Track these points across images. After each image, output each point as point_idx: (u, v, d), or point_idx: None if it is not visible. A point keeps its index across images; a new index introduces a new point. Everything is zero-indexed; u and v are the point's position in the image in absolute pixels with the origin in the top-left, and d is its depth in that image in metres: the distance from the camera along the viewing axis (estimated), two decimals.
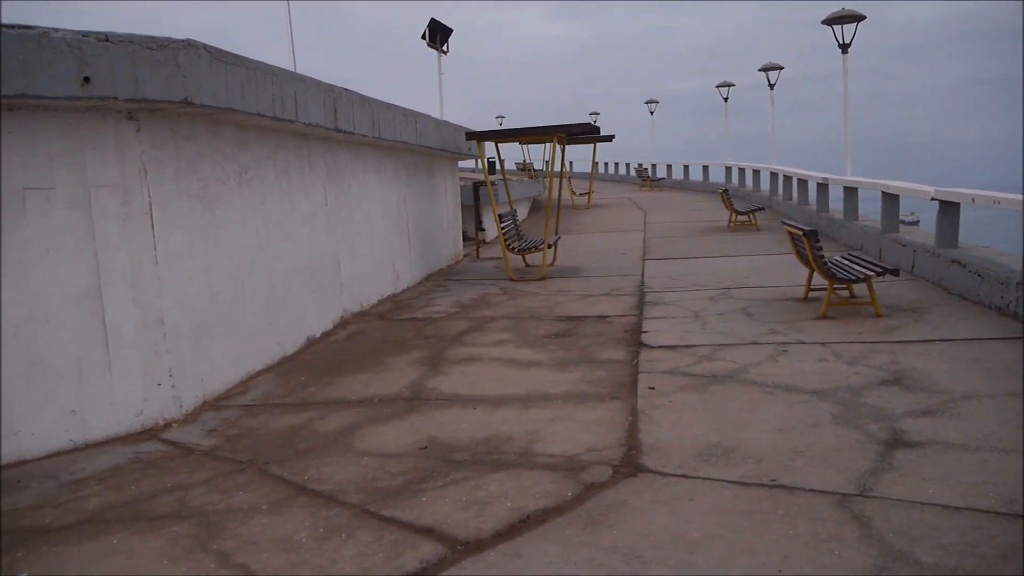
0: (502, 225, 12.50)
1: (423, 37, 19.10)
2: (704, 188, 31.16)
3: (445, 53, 19.68)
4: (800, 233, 8.43)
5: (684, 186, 33.98)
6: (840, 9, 16.60)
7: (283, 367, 7.50)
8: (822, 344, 7.19)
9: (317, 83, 7.98)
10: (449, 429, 5.55)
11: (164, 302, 6.07)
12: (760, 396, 5.82)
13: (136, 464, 5.27)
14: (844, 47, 16.79)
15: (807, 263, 8.87)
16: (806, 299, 9.25)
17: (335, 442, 5.44)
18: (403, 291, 11.45)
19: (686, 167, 34.93)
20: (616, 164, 44.55)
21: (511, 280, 12.01)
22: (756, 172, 25.35)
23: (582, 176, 44.47)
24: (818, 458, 4.62)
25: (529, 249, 12.38)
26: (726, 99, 32.28)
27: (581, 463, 4.79)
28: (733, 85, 32.27)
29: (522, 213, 24.05)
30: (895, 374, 6.17)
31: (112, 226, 5.79)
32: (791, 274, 10.63)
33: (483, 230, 16.60)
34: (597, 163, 47.62)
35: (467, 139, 12.42)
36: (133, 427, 5.96)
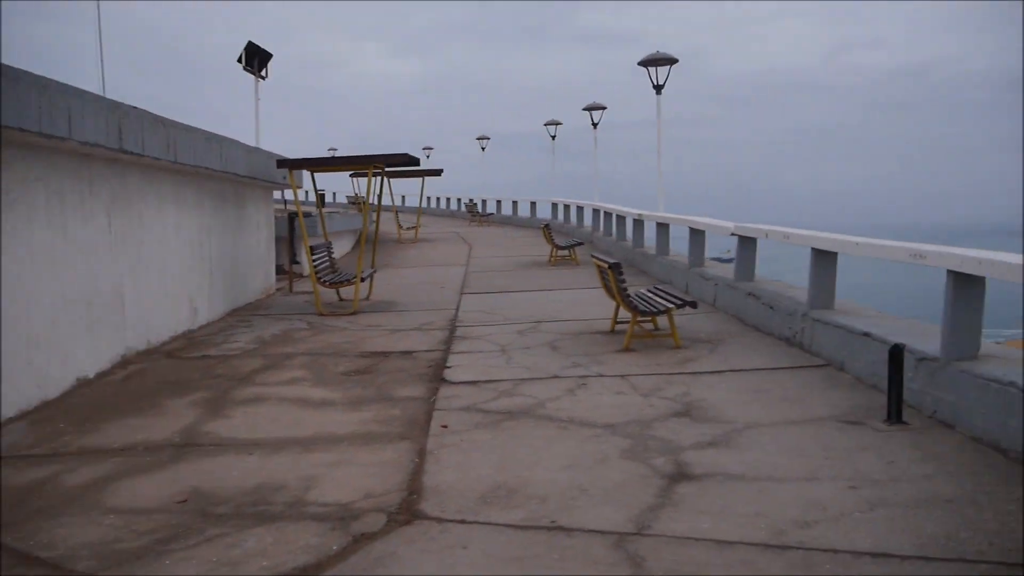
0: (314, 258, 11.97)
1: (239, 60, 18.26)
2: (531, 224, 31.66)
3: (263, 79, 18.93)
4: (606, 266, 8.48)
5: (512, 221, 34.40)
6: (655, 52, 17.33)
7: (41, 413, 6.66)
8: (621, 377, 7.18)
9: (99, 98, 7.28)
10: (216, 478, 5.03)
11: None
12: (553, 432, 5.67)
13: None
14: (658, 88, 17.50)
15: (613, 296, 8.94)
16: (612, 331, 9.32)
17: (79, 499, 4.79)
18: (201, 327, 10.67)
19: (515, 203, 35.41)
20: (448, 199, 44.64)
21: (320, 315, 11.48)
22: (580, 208, 25.97)
23: (412, 210, 44.29)
24: (601, 496, 4.48)
25: (342, 283, 11.91)
26: (553, 137, 33.06)
27: (355, 511, 4.42)
28: (560, 124, 33.13)
29: (346, 246, 23.46)
30: (686, 405, 6.20)
31: None
32: (601, 308, 10.72)
33: (297, 263, 15.93)
34: (429, 198, 47.76)
35: (278, 167, 11.85)
36: None
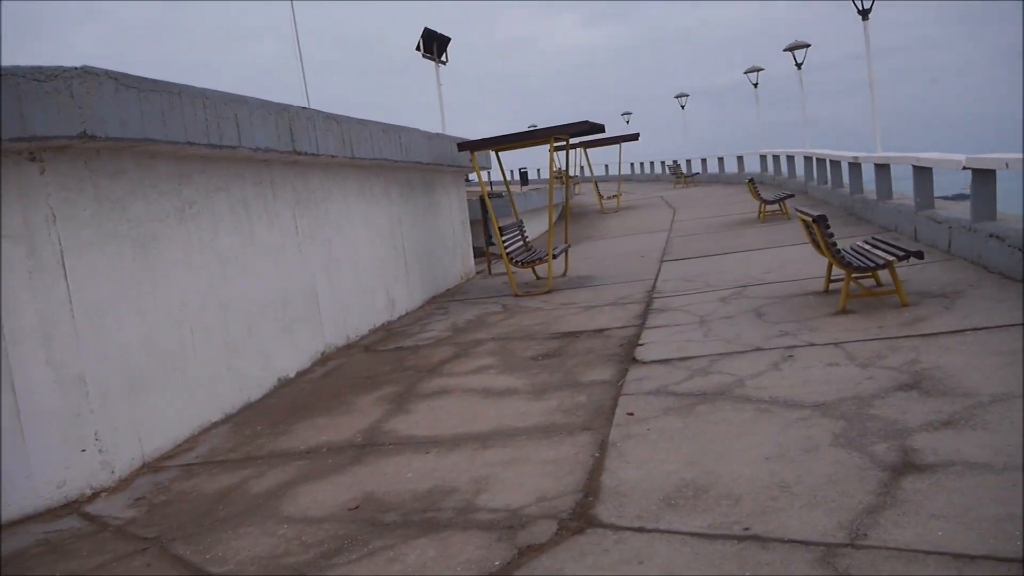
0: (504, 238, 11.76)
1: (417, 48, 18.42)
2: (739, 180, 30.00)
3: (444, 63, 19.02)
4: (810, 219, 7.52)
5: (719, 179, 32.83)
6: None
7: (243, 415, 6.87)
8: (835, 344, 6.28)
9: (265, 103, 7.37)
10: (390, 481, 4.83)
11: (86, 358, 5.48)
12: (752, 415, 4.97)
13: (39, 548, 4.66)
14: (864, 13, 15.70)
15: (823, 252, 7.94)
16: (826, 292, 8.31)
17: (260, 506, 4.76)
18: (399, 318, 10.78)
19: (720, 160, 33.77)
20: (651, 163, 43.53)
21: (516, 296, 11.26)
22: (790, 158, 24.18)
23: (616, 179, 43.57)
24: (806, 494, 3.78)
25: (533, 261, 11.62)
26: (755, 84, 31.05)
27: (524, 518, 4.02)
28: (762, 70, 31.04)
29: (544, 224, 23.28)
30: (915, 376, 5.25)
31: (17, 280, 5.23)
32: (814, 266, 9.66)
33: (493, 244, 15.87)
34: (632, 164, 46.86)
35: (460, 149, 11.73)
36: (55, 501, 5.36)
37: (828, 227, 7.38)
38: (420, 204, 12.15)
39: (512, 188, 27.07)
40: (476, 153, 13.51)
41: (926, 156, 10.47)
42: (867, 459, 4.06)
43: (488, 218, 15.29)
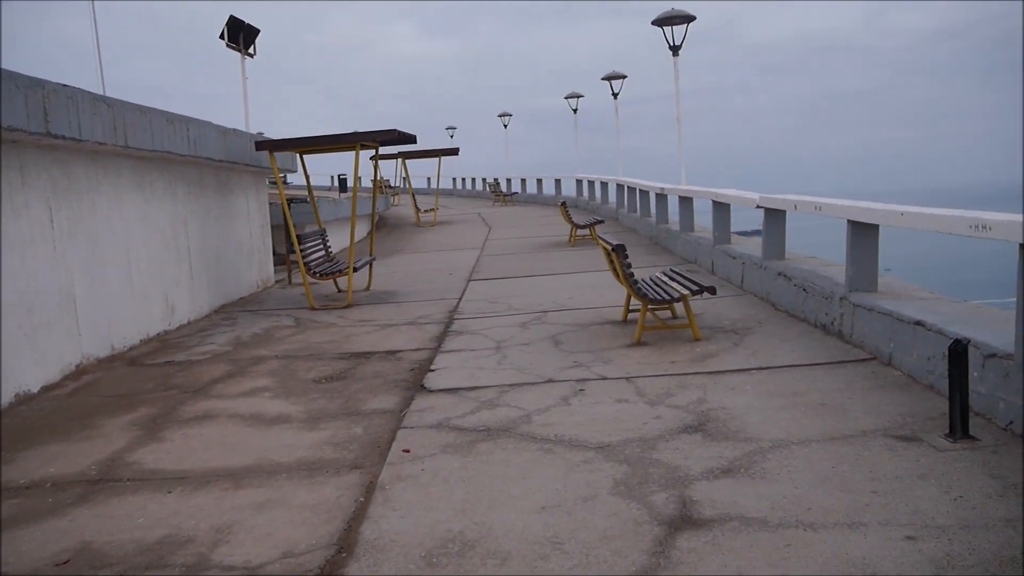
0: (304, 247, 11.04)
1: (221, 36, 17.20)
2: (556, 202, 30.51)
3: (251, 56, 17.91)
4: (609, 248, 7.41)
5: (537, 200, 33.28)
6: (670, 9, 16.03)
7: None
8: (627, 379, 6.13)
9: (13, 75, 6.35)
10: (116, 528, 4.11)
11: None
12: (535, 456, 4.65)
13: None
14: (675, 49, 16.24)
15: (621, 282, 7.87)
16: (625, 321, 8.25)
17: None
18: (179, 327, 9.81)
19: (539, 181, 34.27)
20: (473, 179, 43.60)
21: (312, 309, 10.56)
22: (604, 184, 24.80)
23: (442, 193, 43.29)
24: (579, 553, 3.46)
25: (334, 274, 10.96)
26: (575, 110, 31.79)
27: None
28: (582, 96, 31.83)
29: (362, 232, 22.56)
30: (700, 416, 5.14)
31: None
32: (616, 294, 9.65)
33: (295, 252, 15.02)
34: (453, 178, 46.73)
35: (257, 148, 10.89)
36: None
37: (626, 257, 7.29)
38: (211, 204, 11.19)
39: (329, 195, 26.11)
40: (279, 155, 12.71)
41: (724, 192, 10.79)
42: (645, 511, 3.81)
43: (290, 224, 14.46)
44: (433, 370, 6.84)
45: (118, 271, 8.46)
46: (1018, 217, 4.50)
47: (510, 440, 4.94)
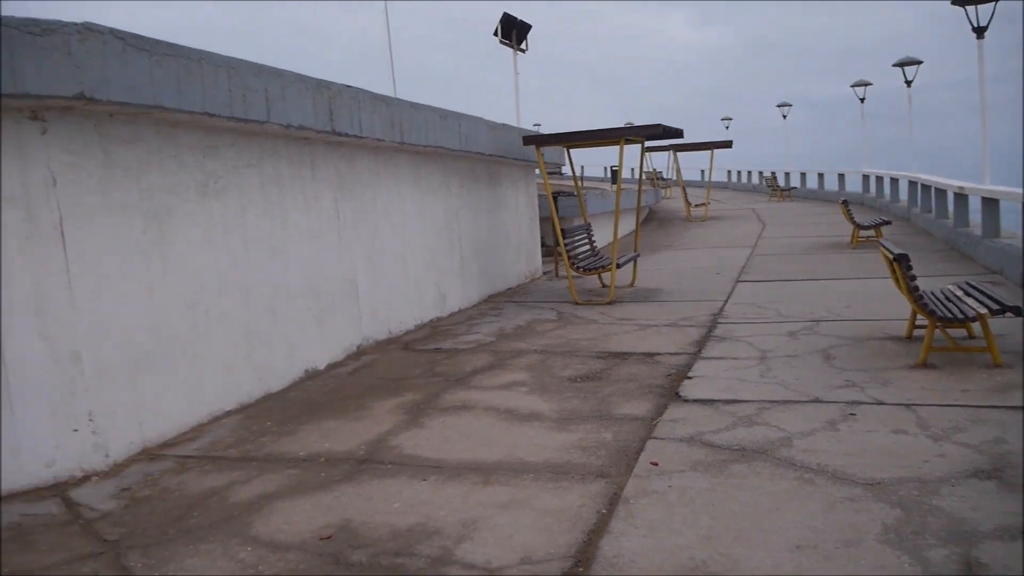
0: (568, 241, 11.17)
1: (495, 34, 17.81)
2: (838, 199, 28.55)
3: (523, 51, 18.39)
4: (891, 256, 6.70)
5: (817, 196, 31.32)
6: None
7: (258, 407, 6.51)
8: (906, 406, 5.49)
9: (302, 78, 6.95)
10: (375, 509, 4.35)
11: (83, 333, 5.18)
12: (793, 486, 4.29)
13: (9, 532, 4.38)
14: (979, 31, 14.40)
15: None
16: (909, 338, 7.45)
17: (233, 519, 4.34)
18: (451, 315, 10.33)
19: (820, 175, 32.23)
20: (748, 173, 42.01)
21: (575, 304, 10.66)
22: (894, 181, 22.74)
23: (716, 185, 42.25)
24: None
25: (597, 269, 10.98)
26: (862, 99, 29.48)
27: None
28: (870, 84, 29.43)
29: (631, 225, 22.54)
30: (996, 460, 4.47)
31: (13, 246, 4.94)
32: (899, 305, 8.74)
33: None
34: (729, 172, 45.35)
35: (524, 143, 11.15)
36: (43, 480, 5.08)
37: (910, 268, 6.54)
38: (482, 197, 11.65)
39: (601, 186, 26.34)
40: (547, 149, 12.97)
41: None
42: (919, 567, 3.35)
43: (558, 216, 14.73)
44: (690, 377, 6.59)
45: (395, 260, 9.05)
46: None
47: (766, 464, 4.61)
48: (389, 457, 5.18)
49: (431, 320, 9.87)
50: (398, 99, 8.59)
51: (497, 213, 12.22)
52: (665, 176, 39.87)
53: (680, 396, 6.07)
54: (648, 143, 32.37)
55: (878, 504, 3.99)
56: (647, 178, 40.33)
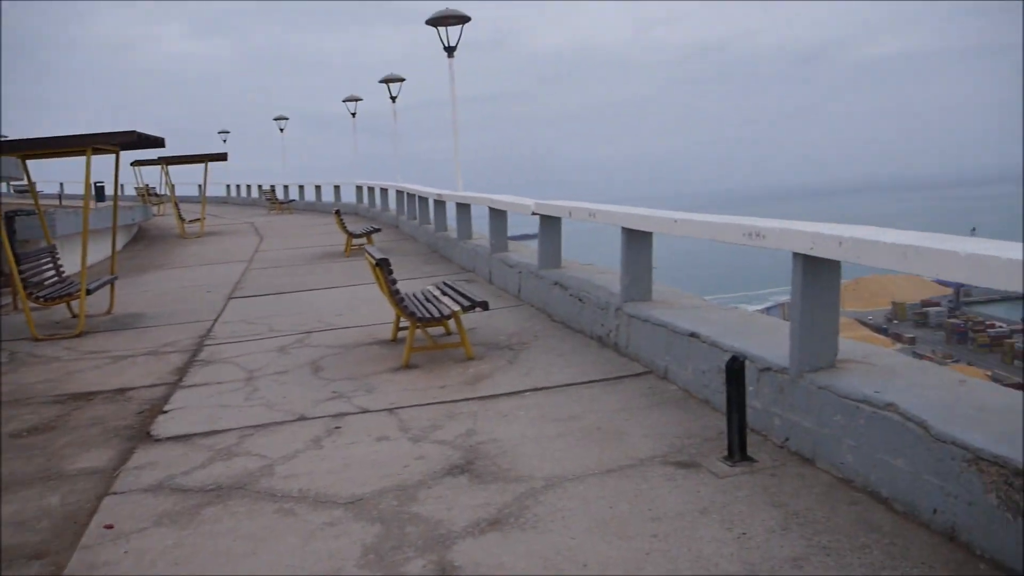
0: (25, 267, 9.46)
1: None
2: (334, 210, 29.38)
3: None
4: (373, 262, 6.72)
5: (316, 208, 31.85)
6: (444, 9, 15.57)
7: None
8: (389, 411, 5.45)
9: None
10: None
11: None
12: (271, 521, 3.86)
13: None
14: (450, 50, 15.81)
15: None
16: (394, 341, 7.59)
17: None
18: None
19: (318, 187, 32.85)
20: (248, 186, 41.26)
21: (35, 340, 9.03)
22: (384, 191, 23.98)
23: (212, 200, 40.62)
24: None
25: (62, 297, 9.46)
26: (353, 114, 30.78)
27: None
28: (360, 99, 30.84)
29: (118, 245, 20.40)
30: (469, 453, 4.56)
31: None
32: (387, 310, 8.86)
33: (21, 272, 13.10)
34: (228, 185, 44.07)
35: None
36: None
37: (391, 272, 6.62)
38: None
39: (82, 204, 23.40)
40: (4, 160, 10.99)
41: (500, 199, 10.41)
42: None
43: (14, 240, 12.57)
44: (166, 411, 5.82)
45: None
46: (791, 224, 4.28)
47: (243, 500, 4.12)
48: None
49: None
50: None
51: None
52: (159, 191, 37.23)
53: (151, 436, 5.29)
54: (141, 157, 29.93)
55: (359, 523, 3.75)
56: (139, 194, 37.28)
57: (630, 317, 6.27)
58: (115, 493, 4.36)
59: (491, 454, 4.52)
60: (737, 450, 4.12)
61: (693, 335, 5.26)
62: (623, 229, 6.46)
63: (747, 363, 4.41)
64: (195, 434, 5.25)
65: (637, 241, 6.44)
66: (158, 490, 4.35)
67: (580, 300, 7.37)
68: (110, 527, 3.92)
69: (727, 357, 4.27)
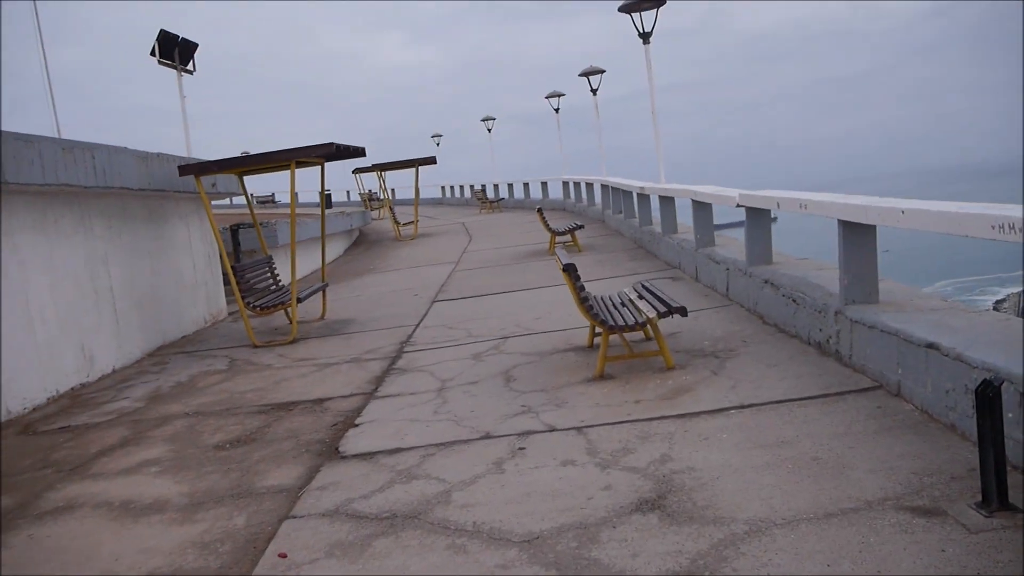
0: (245, 278, 9.99)
1: (152, 53, 15.77)
2: (543, 206, 29.47)
3: (190, 73, 16.70)
4: (560, 267, 6.34)
5: (524, 205, 32.18)
6: None
7: None
8: (578, 430, 5.04)
9: None
10: None
11: None
12: (442, 559, 3.57)
13: None
14: (645, 36, 15.13)
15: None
16: (591, 346, 7.18)
17: None
18: (100, 378, 8.74)
19: (526, 185, 33.19)
20: (461, 187, 42.53)
21: (253, 347, 9.50)
22: (589, 186, 23.70)
23: (426, 203, 42.29)
24: None
25: (275, 306, 9.89)
26: (557, 110, 30.73)
27: None
28: (563, 95, 30.76)
29: (339, 250, 21.58)
30: (661, 484, 4.05)
31: None
32: None
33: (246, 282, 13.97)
34: (442, 187, 45.70)
35: (181, 174, 9.80)
36: None
37: (579, 278, 6.20)
38: (141, 238, 10.13)
39: (316, 213, 25.05)
40: (221, 177, 11.75)
41: (702, 191, 9.69)
42: None
43: (240, 251, 13.44)
44: (358, 424, 5.77)
45: (17, 327, 7.40)
46: None
47: (416, 533, 3.86)
48: None
49: (72, 388, 8.25)
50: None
51: (164, 254, 10.72)
52: (381, 197, 39.24)
53: (339, 452, 5.22)
54: (359, 166, 31.61)
55: (532, 568, 3.37)
56: (362, 199, 39.47)
57: (852, 322, 5.45)
58: (294, 517, 4.27)
59: (687, 487, 3.98)
60: (995, 496, 3.32)
61: (931, 346, 4.42)
62: (840, 222, 5.64)
63: (1005, 385, 3.57)
64: (379, 452, 5.11)
65: (857, 235, 5.60)
66: (335, 516, 4.20)
67: (794, 301, 6.60)
68: (284, 556, 3.80)
69: (975, 374, 3.49)
